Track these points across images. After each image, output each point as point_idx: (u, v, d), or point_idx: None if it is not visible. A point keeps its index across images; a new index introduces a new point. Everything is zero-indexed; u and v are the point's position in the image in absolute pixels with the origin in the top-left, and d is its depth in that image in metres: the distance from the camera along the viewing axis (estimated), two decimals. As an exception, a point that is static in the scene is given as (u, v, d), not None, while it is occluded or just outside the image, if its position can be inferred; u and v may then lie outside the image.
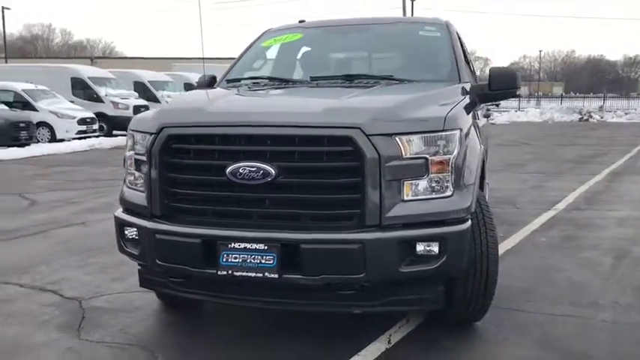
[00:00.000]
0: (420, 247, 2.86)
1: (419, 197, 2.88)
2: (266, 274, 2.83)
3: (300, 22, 4.98)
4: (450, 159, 2.92)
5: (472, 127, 3.31)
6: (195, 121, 3.04)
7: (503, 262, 3.95)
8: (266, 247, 2.83)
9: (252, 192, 2.88)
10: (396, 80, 3.88)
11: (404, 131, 2.85)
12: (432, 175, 2.89)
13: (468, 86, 3.92)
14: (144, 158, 3.13)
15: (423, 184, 2.88)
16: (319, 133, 2.83)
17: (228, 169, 2.85)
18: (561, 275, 4.41)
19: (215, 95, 3.68)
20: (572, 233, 5.73)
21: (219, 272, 2.89)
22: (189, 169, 3.02)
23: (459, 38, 4.50)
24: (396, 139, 2.83)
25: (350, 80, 3.89)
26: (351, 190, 2.81)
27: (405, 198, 2.85)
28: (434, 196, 2.90)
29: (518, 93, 4.21)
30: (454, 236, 2.89)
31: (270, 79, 4.17)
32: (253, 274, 2.85)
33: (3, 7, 44.46)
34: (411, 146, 2.85)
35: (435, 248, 2.87)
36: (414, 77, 3.94)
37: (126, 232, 3.25)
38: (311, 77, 4.04)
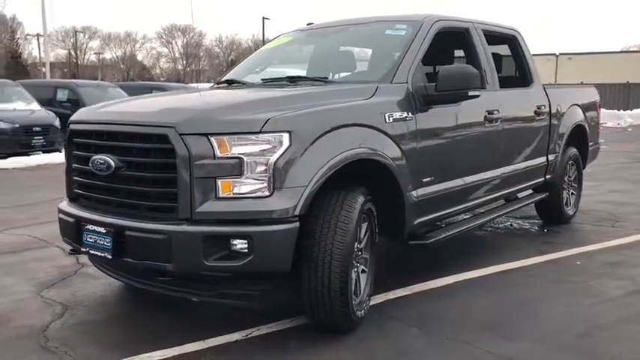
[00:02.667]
0: (229, 244, 2.95)
1: (234, 195, 2.97)
2: (106, 254, 3.21)
3: (307, 24, 5.14)
4: (269, 160, 2.95)
5: (334, 131, 3.21)
6: (81, 119, 3.55)
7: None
8: (105, 231, 3.21)
9: (101, 181, 3.29)
10: (321, 82, 3.92)
11: (218, 131, 2.97)
12: (248, 175, 2.96)
13: (397, 87, 3.76)
14: None
15: (238, 183, 2.96)
16: (144, 131, 3.11)
17: (90, 160, 3.30)
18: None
19: (136, 98, 4.15)
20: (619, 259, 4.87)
21: (82, 249, 3.36)
22: (75, 159, 3.54)
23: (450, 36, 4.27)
24: (211, 138, 2.96)
25: (293, 82, 4.04)
26: (169, 184, 3.03)
27: (220, 195, 2.97)
28: (250, 195, 2.96)
29: (473, 94, 3.86)
30: (263, 236, 2.92)
31: (230, 81, 4.49)
32: (99, 254, 3.25)
33: None
34: (226, 146, 2.95)
35: (244, 246, 2.94)
36: (349, 78, 3.90)
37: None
38: (262, 79, 4.26)
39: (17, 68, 60.92)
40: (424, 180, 3.89)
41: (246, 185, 2.96)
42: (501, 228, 6.02)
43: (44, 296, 4.05)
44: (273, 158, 2.95)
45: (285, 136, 2.98)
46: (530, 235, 5.76)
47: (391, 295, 4.00)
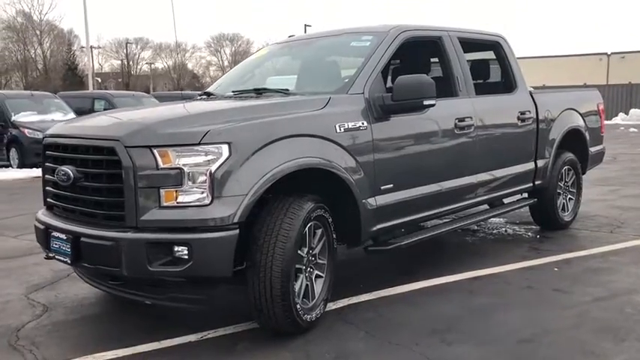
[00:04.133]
0: (171, 250, 3.14)
1: (176, 204, 3.15)
2: (67, 259, 3.46)
3: (289, 37, 5.31)
4: (209, 170, 3.12)
5: (278, 141, 3.36)
6: (53, 133, 3.82)
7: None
8: (66, 238, 3.45)
9: (65, 190, 3.54)
10: (283, 94, 4.09)
11: (160, 144, 3.16)
12: (190, 185, 3.14)
13: (353, 98, 3.89)
14: None
15: (180, 192, 3.15)
16: (96, 144, 3.34)
17: (55, 171, 3.55)
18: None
19: (103, 113, 4.41)
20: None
21: (49, 254, 3.62)
22: (47, 170, 3.80)
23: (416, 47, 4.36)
24: (154, 150, 3.15)
25: (259, 93, 4.23)
26: (118, 194, 3.23)
27: (163, 204, 3.16)
28: (191, 204, 3.14)
29: (428, 103, 3.94)
30: (202, 243, 3.10)
31: (208, 93, 4.72)
32: (62, 259, 3.50)
33: None
34: (168, 157, 3.15)
35: (184, 252, 3.12)
36: (309, 90, 4.05)
37: None
38: (232, 91, 4.46)
39: (73, 79, 63.71)
40: (383, 188, 3.98)
41: (187, 194, 3.14)
42: (494, 234, 6.02)
43: (30, 298, 4.35)
44: (212, 168, 3.12)
45: (224, 147, 3.15)
46: (520, 241, 5.73)
47: (355, 299, 4.11)
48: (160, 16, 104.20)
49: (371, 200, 3.90)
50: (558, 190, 5.99)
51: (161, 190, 3.15)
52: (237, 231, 3.16)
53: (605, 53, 45.04)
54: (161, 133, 3.22)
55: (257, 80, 4.76)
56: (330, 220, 3.68)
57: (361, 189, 3.79)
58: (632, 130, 23.84)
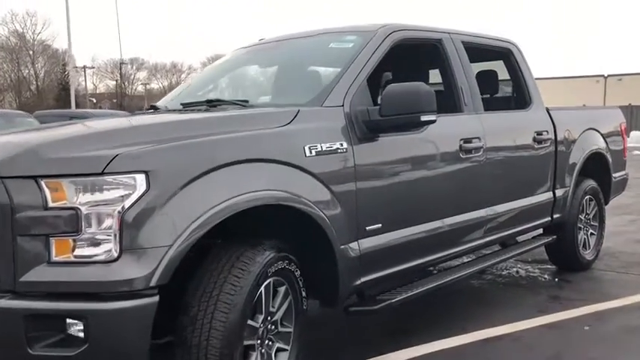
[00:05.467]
0: (61, 326, 2.19)
1: (71, 259, 2.21)
2: None
3: (260, 40, 4.41)
4: (116, 211, 2.19)
5: (221, 169, 2.43)
6: None
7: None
8: None
9: None
10: (240, 106, 3.18)
11: (49, 173, 2.23)
12: (89, 231, 2.20)
13: (329, 112, 2.98)
14: None
15: (78, 241, 2.21)
16: None
17: None
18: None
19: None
20: None
21: None
22: None
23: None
24: (40, 182, 2.22)
25: (212, 105, 3.32)
26: (-9, 243, 2.29)
27: (53, 259, 2.22)
28: (91, 259, 2.21)
29: (427, 119, 3.03)
30: (102, 316, 2.16)
31: (154, 107, 3.80)
32: None
33: None
34: (59, 193, 2.22)
35: (79, 329, 2.17)
36: (274, 101, 3.15)
37: None
38: (181, 104, 3.54)
39: (67, 99, 63.00)
40: (369, 228, 3.06)
41: (87, 246, 2.21)
42: (504, 276, 5.08)
43: None
44: (121, 208, 2.19)
45: (140, 178, 2.23)
46: (537, 286, 4.79)
47: (332, 373, 3.16)
48: (155, 37, 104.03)
49: (353, 245, 2.97)
50: (579, 225, 5.07)
51: (51, 239, 2.21)
52: (157, 298, 2.22)
53: (602, 75, 44.59)
54: (51, 158, 2.29)
55: (215, 91, 3.84)
56: (297, 273, 2.76)
57: (339, 231, 2.87)
58: (635, 152, 22.97)
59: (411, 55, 4.00)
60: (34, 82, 66.41)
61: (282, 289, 2.72)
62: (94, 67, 72.15)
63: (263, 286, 2.54)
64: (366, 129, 3.05)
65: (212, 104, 3.33)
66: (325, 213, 2.79)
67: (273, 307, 2.66)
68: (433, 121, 3.07)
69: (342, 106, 3.03)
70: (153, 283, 2.20)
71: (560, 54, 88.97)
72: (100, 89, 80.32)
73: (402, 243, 3.24)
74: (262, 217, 2.65)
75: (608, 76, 44.11)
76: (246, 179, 2.49)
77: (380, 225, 3.11)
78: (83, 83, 70.02)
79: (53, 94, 64.11)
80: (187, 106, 3.47)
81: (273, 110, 2.99)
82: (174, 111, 3.43)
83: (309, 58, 3.67)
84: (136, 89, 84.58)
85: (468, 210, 3.73)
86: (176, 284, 2.36)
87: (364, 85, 3.17)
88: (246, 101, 3.26)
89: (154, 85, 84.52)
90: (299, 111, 2.88)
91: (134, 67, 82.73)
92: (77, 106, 55.76)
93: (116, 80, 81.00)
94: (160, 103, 3.91)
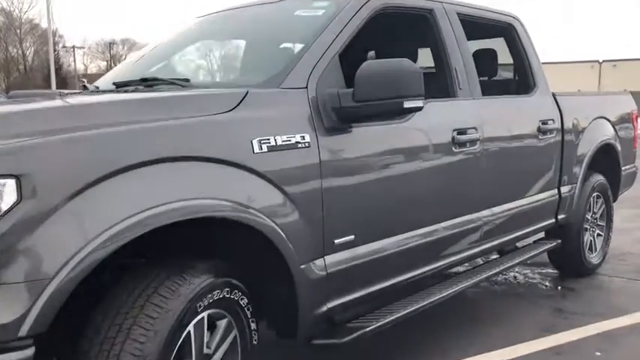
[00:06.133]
0: None
1: None
2: None
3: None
4: (-28, 230, 1.57)
5: (134, 170, 1.81)
6: None
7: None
8: None
9: None
10: (178, 85, 2.55)
11: None
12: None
13: (288, 95, 2.36)
14: None
15: None
16: None
17: None
18: None
19: None
20: None
21: None
22: None
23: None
24: None
25: (148, 85, 2.70)
26: None
27: None
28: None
29: (412, 106, 2.41)
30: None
31: (83, 87, 3.17)
32: None
33: None
34: None
35: None
36: (221, 81, 2.52)
37: None
38: (114, 83, 2.90)
39: (57, 79, 61.78)
40: (338, 241, 2.46)
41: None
42: (500, 283, 4.50)
43: None
44: (-19, 226, 1.58)
45: (9, 185, 1.60)
46: (537, 295, 4.21)
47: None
48: (146, 18, 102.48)
49: (318, 262, 2.38)
50: (585, 225, 4.50)
51: None
52: (30, 352, 1.61)
53: (597, 61, 44.12)
54: None
55: (156, 68, 3.19)
56: (244, 301, 2.16)
57: (299, 246, 2.26)
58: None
59: (397, 29, 3.38)
60: (22, 62, 65.21)
61: (222, 323, 2.13)
62: (83, 47, 70.88)
63: (192, 324, 1.94)
64: (335, 117, 2.43)
65: (148, 83, 2.70)
66: (279, 225, 2.18)
67: (208, 347, 2.07)
68: (419, 109, 2.45)
69: (306, 88, 2.40)
70: (23, 332, 1.58)
71: (555, 39, 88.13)
72: (92, 70, 78.98)
73: (381, 258, 2.65)
74: (196, 233, 2.05)
75: (603, 61, 43.69)
76: (164, 185, 1.87)
77: (352, 237, 2.50)
78: (73, 64, 68.85)
79: (43, 74, 62.94)
80: (120, 86, 2.83)
81: (214, 92, 2.36)
82: (99, 92, 2.79)
83: (270, 29, 3.01)
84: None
85: (461, 213, 3.14)
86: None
87: (335, 63, 2.54)
88: (187, 80, 2.62)
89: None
90: (247, 93, 2.24)
91: (125, 48, 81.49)
92: (67, 86, 54.79)
93: (107, 61, 79.78)
94: (98, 82, 3.28)
